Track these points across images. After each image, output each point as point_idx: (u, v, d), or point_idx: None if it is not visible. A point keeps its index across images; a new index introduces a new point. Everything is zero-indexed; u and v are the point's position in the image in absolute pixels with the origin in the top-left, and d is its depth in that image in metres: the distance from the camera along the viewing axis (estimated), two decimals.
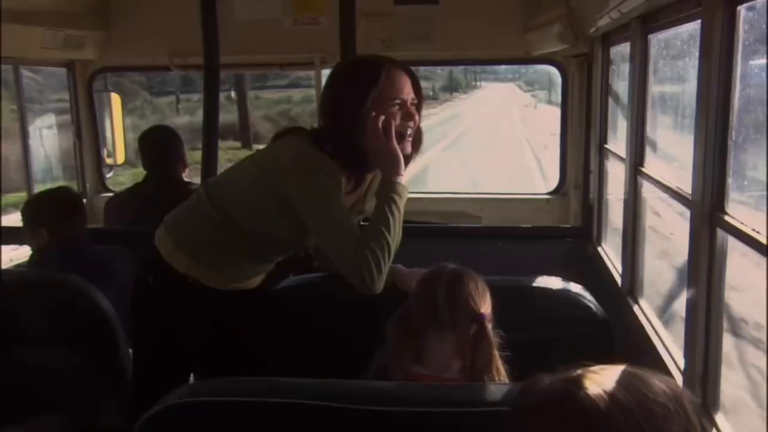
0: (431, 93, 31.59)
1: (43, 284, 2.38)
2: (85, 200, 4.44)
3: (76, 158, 4.39)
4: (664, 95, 2.64)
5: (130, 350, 2.34)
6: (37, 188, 4.02)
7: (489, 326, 1.70)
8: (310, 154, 1.94)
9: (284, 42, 3.77)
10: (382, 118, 1.89)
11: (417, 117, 1.96)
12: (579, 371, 0.89)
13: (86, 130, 4.41)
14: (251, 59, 4.03)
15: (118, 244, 3.26)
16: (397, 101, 1.91)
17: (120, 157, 4.65)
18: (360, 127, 1.91)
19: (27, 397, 2.25)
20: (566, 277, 2.24)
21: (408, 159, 2.00)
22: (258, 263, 2.17)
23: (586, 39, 2.94)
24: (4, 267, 3.49)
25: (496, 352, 1.70)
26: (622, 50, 2.81)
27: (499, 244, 3.11)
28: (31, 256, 2.82)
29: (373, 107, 1.90)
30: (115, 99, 4.56)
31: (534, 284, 2.15)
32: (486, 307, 1.72)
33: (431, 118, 26.38)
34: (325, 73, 3.59)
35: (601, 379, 0.86)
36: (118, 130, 4.58)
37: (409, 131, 1.95)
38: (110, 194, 4.49)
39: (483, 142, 21.34)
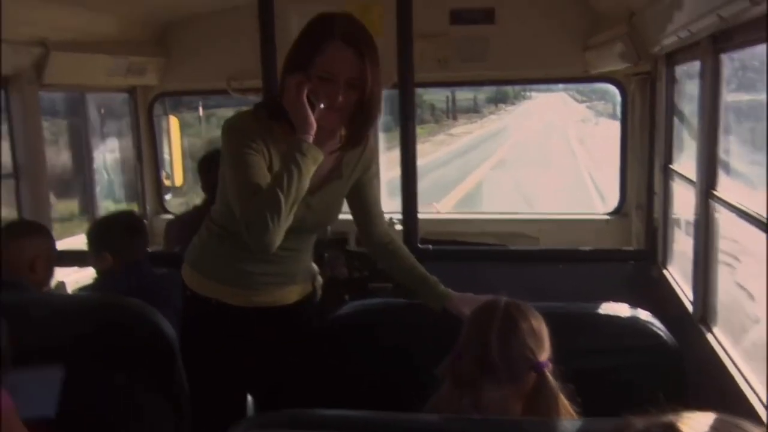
0: (473, 105, 30.23)
1: (108, 308, 2.41)
2: (145, 221, 4.54)
3: (137, 181, 4.49)
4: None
5: None
6: (101, 210, 4.13)
7: (550, 375, 1.57)
8: (236, 115, 1.99)
9: None
10: (298, 79, 1.85)
11: (344, 96, 1.87)
12: (671, 416, 0.84)
13: (146, 153, 4.52)
14: None
15: (176, 267, 3.31)
16: (327, 75, 1.85)
17: (178, 180, 4.75)
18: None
19: (89, 420, 2.28)
20: (630, 302, 2.16)
21: (334, 134, 1.98)
22: (259, 262, 2.07)
23: (649, 57, 2.87)
24: (69, 290, 3.59)
25: (561, 397, 1.57)
26: (687, 68, 2.73)
27: (560, 267, 3.04)
28: (96, 279, 2.87)
29: (303, 73, 1.86)
30: (174, 122, 4.66)
31: (600, 311, 2.08)
32: (545, 351, 1.59)
33: (470, 135, 25.76)
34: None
35: (699, 428, 0.81)
36: (177, 153, 4.68)
37: (336, 106, 1.88)
38: (169, 216, 4.60)
39: (533, 159, 20.69)
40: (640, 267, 3.08)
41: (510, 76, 4.05)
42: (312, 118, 1.86)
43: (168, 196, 4.79)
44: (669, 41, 2.47)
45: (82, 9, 3.30)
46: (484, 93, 29.36)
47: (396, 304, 2.29)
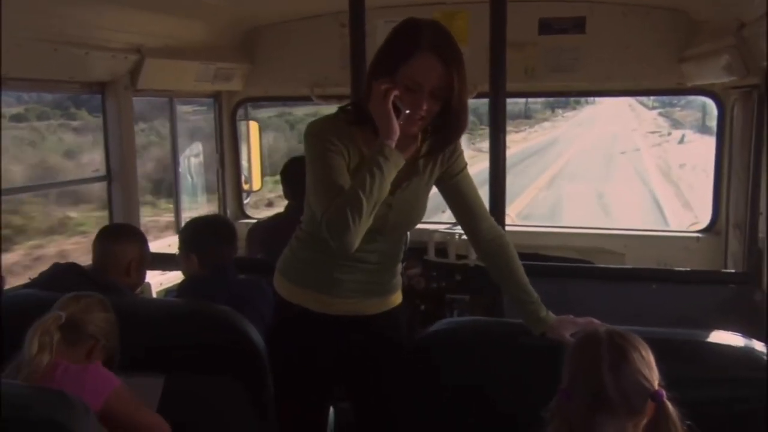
0: (523, 109, 25.83)
1: (198, 314, 2.43)
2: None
3: (218, 185, 4.56)
4: None
5: None
6: (184, 214, 4.20)
7: (669, 403, 1.52)
8: (317, 120, 2.00)
9: None
10: (386, 86, 1.86)
11: (429, 105, 1.88)
12: None
13: (228, 157, 4.58)
14: None
15: (259, 273, 3.33)
16: (413, 84, 1.86)
17: (257, 183, 4.80)
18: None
19: (176, 425, 2.30)
20: (730, 328, 2.05)
21: (413, 141, 1.99)
22: (346, 268, 2.07)
23: (758, 71, 2.73)
24: (154, 291, 3.66)
25: (680, 425, 1.53)
26: None
27: (653, 287, 2.92)
28: (182, 282, 2.90)
29: (390, 79, 1.88)
30: (254, 126, 4.71)
31: (709, 339, 1.98)
32: (656, 379, 1.54)
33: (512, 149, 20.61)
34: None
35: None
36: (256, 157, 4.73)
37: (420, 114, 1.90)
38: (249, 220, 4.65)
39: (593, 175, 18.46)
40: (740, 290, 2.92)
41: (600, 87, 3.94)
42: (396, 125, 1.88)
43: (247, 200, 4.85)
44: None
45: (172, 15, 3.37)
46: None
47: (490, 324, 2.23)
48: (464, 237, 3.98)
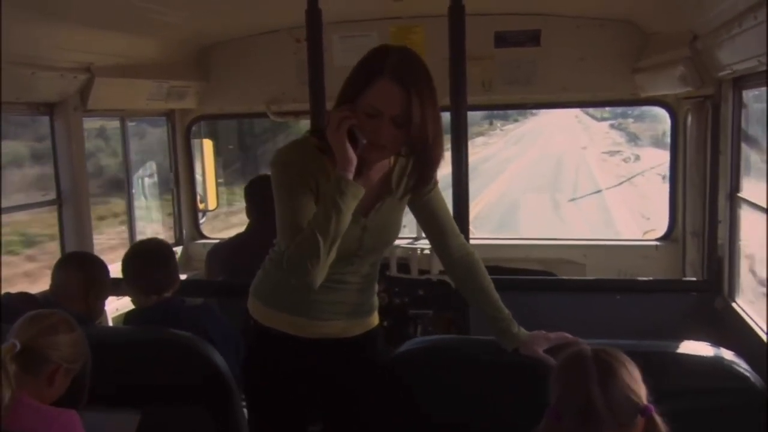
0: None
1: (158, 342, 2.35)
2: (181, 247, 4.49)
3: (173, 206, 4.45)
4: None
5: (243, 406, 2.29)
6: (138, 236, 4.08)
7: (658, 417, 1.53)
8: (285, 146, 1.98)
9: None
10: (341, 115, 1.82)
11: (390, 132, 1.83)
12: None
13: (183, 176, 4.48)
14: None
15: (218, 296, 3.25)
16: (373, 111, 1.82)
17: (212, 203, 4.70)
18: None
19: None
20: (693, 336, 2.07)
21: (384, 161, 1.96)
22: (323, 289, 1.98)
23: (712, 81, 2.79)
24: (110, 317, 3.54)
25: None
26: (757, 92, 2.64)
27: (617, 298, 2.94)
28: (129, 313, 2.78)
29: (350, 107, 1.85)
30: (207, 144, 4.62)
31: (680, 350, 1.99)
32: (645, 393, 1.54)
33: None
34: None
35: None
36: (210, 176, 4.64)
37: (381, 142, 1.85)
38: (207, 241, 4.55)
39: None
40: (701, 298, 2.97)
41: (556, 98, 3.97)
42: (351, 154, 1.84)
43: (202, 220, 4.74)
44: (741, 67, 2.39)
45: (123, 33, 3.27)
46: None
47: (462, 342, 2.21)
48: (426, 251, 4.00)
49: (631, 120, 22.95)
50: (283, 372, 2.09)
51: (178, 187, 4.44)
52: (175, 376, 2.27)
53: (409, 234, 3.84)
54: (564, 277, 3.63)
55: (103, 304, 2.70)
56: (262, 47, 4.03)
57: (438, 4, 3.40)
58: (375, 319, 2.19)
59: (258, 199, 3.37)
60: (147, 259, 2.60)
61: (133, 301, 2.65)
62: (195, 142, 4.57)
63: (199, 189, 4.62)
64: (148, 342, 2.33)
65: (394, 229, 2.08)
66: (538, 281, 3.22)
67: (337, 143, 1.83)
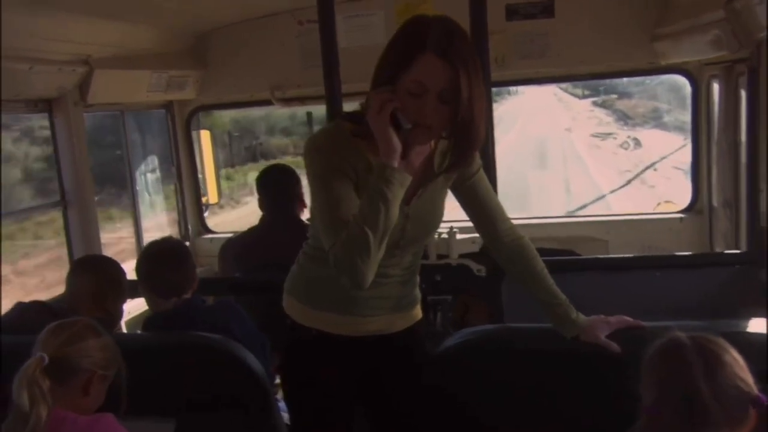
0: None
1: (186, 346, 2.21)
2: (188, 243, 4.34)
3: (177, 201, 4.29)
4: None
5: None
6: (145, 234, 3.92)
7: None
8: (318, 133, 1.84)
9: None
10: (382, 97, 1.68)
11: (437, 110, 1.68)
12: None
13: (185, 170, 4.32)
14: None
15: (234, 293, 3.11)
16: (417, 89, 1.68)
17: (213, 196, 4.55)
18: None
19: None
20: (743, 312, 1.96)
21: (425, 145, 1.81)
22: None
23: (751, 44, 2.66)
24: (123, 321, 3.38)
25: None
26: None
27: (657, 275, 2.82)
28: (147, 318, 2.62)
29: (391, 89, 1.70)
30: (205, 135, 4.46)
31: (750, 329, 1.87)
32: (753, 381, 1.41)
33: None
34: None
35: None
36: (210, 168, 4.48)
37: (427, 122, 1.70)
38: (213, 236, 4.40)
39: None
40: (743, 271, 2.86)
41: (572, 71, 3.84)
42: (395, 142, 1.69)
43: (206, 214, 4.59)
44: None
45: (120, 21, 3.10)
46: None
47: (515, 332, 2.09)
48: (444, 236, 3.87)
49: (615, 96, 20.68)
50: (324, 373, 1.97)
51: (181, 181, 4.28)
52: (207, 381, 2.15)
53: None
54: (597, 256, 3.51)
55: (122, 308, 2.55)
56: (262, 31, 3.87)
57: None
58: (418, 312, 2.08)
59: (271, 190, 3.22)
60: (163, 259, 2.44)
61: (150, 305, 2.50)
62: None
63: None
64: (176, 347, 2.19)
65: (437, 217, 1.94)
66: (570, 261, 3.10)
67: (380, 128, 1.69)
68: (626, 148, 17.45)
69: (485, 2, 2.62)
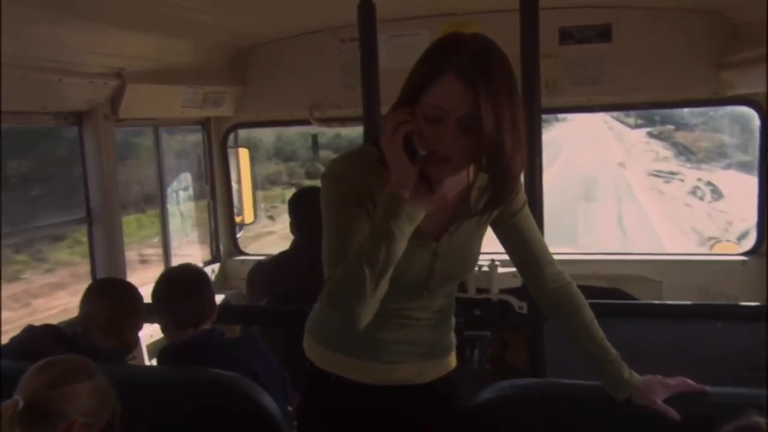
0: None
1: (198, 383, 2.05)
2: (218, 264, 4.22)
3: (210, 220, 4.17)
4: None
5: None
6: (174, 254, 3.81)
7: None
8: (340, 157, 1.67)
9: None
10: (397, 119, 1.50)
11: (456, 138, 1.48)
12: None
13: (220, 188, 4.21)
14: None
15: (260, 322, 2.96)
16: (435, 114, 1.48)
17: (249, 216, 4.43)
18: None
19: None
20: None
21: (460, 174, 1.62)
22: (391, 327, 1.71)
23: None
24: (144, 345, 3.26)
25: None
26: None
27: (719, 326, 2.57)
28: (162, 349, 2.47)
29: (409, 111, 1.52)
30: (244, 153, 4.35)
31: None
32: None
33: None
34: None
35: None
36: (247, 187, 4.37)
37: (445, 152, 1.50)
38: (245, 257, 4.26)
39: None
40: None
41: (629, 100, 3.61)
42: (408, 169, 1.49)
43: (239, 234, 4.47)
44: None
45: (156, 35, 3.00)
46: None
47: (559, 388, 1.87)
48: (485, 269, 3.66)
49: (672, 127, 18.01)
50: (346, 425, 1.78)
51: (215, 200, 4.17)
52: (220, 423, 1.98)
53: None
54: (652, 302, 3.26)
55: (137, 335, 2.41)
56: (303, 49, 3.74)
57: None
58: (453, 360, 1.87)
59: (303, 213, 3.06)
60: (179, 289, 2.30)
61: (166, 335, 2.36)
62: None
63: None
64: (187, 383, 2.03)
65: (471, 256, 1.73)
66: (619, 306, 2.86)
67: (392, 153, 1.50)
68: (701, 197, 13.82)
69: (537, 24, 2.44)
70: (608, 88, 3.44)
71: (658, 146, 18.34)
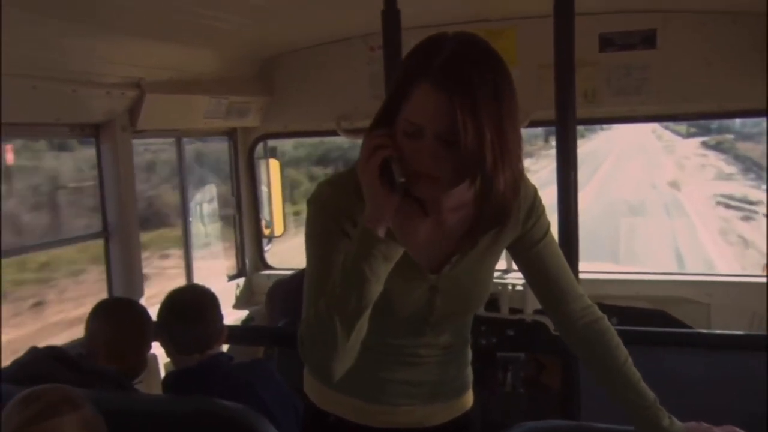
0: None
1: (200, 415, 1.92)
2: (243, 279, 4.11)
3: (235, 233, 4.07)
4: None
5: None
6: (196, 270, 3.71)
7: None
8: (327, 180, 1.48)
9: None
10: (375, 142, 1.31)
11: (435, 154, 1.28)
12: None
13: (246, 201, 4.11)
14: None
15: (277, 344, 2.83)
16: (413, 128, 1.29)
17: (279, 228, 4.32)
18: None
19: None
20: None
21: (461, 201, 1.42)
22: (395, 365, 1.55)
23: None
24: (161, 363, 3.16)
25: None
26: None
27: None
28: (167, 376, 2.35)
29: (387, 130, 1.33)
30: (274, 165, 4.25)
31: None
32: None
33: None
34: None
35: None
36: (277, 199, 4.26)
37: (430, 171, 1.30)
38: (271, 272, 4.15)
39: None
40: None
41: (675, 110, 3.39)
42: (384, 199, 1.31)
43: (268, 247, 4.36)
44: None
45: (177, 44, 2.91)
46: None
47: (590, 431, 1.69)
48: (519, 288, 3.47)
49: (731, 137, 14.94)
50: None
51: (241, 212, 4.07)
52: None
53: (498, 266, 3.32)
54: (699, 330, 3.04)
55: (146, 358, 2.30)
56: (331, 57, 3.62)
57: (532, 4, 2.92)
58: (467, 401, 1.68)
59: None
60: (184, 312, 2.17)
61: (171, 360, 2.24)
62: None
63: (264, 213, 4.25)
64: (189, 414, 1.91)
65: (478, 291, 1.53)
66: (663, 334, 2.64)
67: (367, 181, 1.31)
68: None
69: (573, 30, 2.26)
70: (652, 97, 3.22)
71: (717, 160, 15.25)
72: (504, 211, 1.41)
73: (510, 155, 1.31)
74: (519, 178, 1.38)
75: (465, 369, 1.66)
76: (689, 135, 19.10)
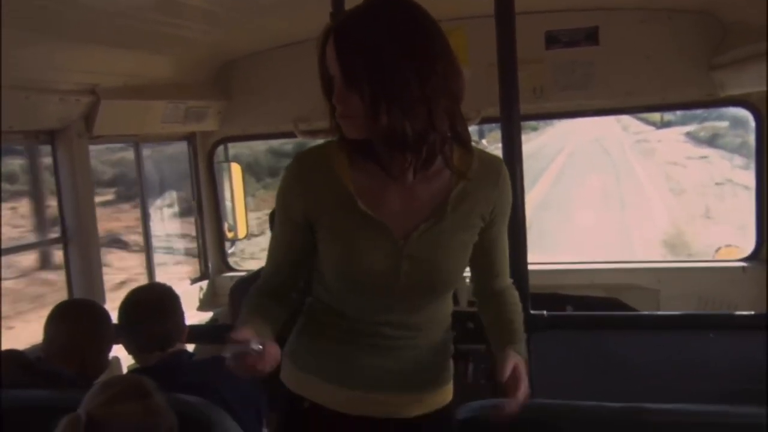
0: None
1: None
2: (207, 281, 4.14)
3: (197, 236, 4.10)
4: None
5: None
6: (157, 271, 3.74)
7: None
8: (298, 155, 1.58)
9: None
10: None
11: (339, 95, 1.40)
12: None
13: (207, 204, 4.14)
14: None
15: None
16: (331, 77, 1.44)
17: (242, 231, 4.35)
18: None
19: None
20: None
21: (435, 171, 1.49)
22: (370, 349, 1.57)
23: None
24: (125, 367, 3.18)
25: None
26: None
27: (711, 336, 2.45)
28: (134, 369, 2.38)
29: None
30: (236, 168, 4.28)
31: None
32: None
33: None
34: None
35: None
36: (240, 202, 4.29)
37: (341, 109, 1.41)
38: (235, 273, 4.19)
39: None
40: None
41: (620, 104, 3.51)
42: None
43: (231, 250, 4.39)
44: None
45: (133, 51, 2.94)
46: None
47: (545, 407, 1.77)
48: None
49: (726, 124, 12.90)
50: None
51: (202, 216, 4.09)
52: None
53: None
54: (647, 312, 3.15)
55: (107, 358, 2.32)
56: (287, 60, 3.67)
57: (482, 4, 3.01)
58: (445, 397, 1.65)
59: None
60: (144, 310, 2.18)
61: (134, 359, 2.27)
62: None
63: (227, 217, 4.28)
64: None
65: (447, 264, 1.50)
66: (612, 318, 2.74)
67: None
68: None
69: (513, 29, 2.35)
70: (598, 92, 3.34)
71: (718, 158, 12.80)
72: (419, 146, 1.42)
73: (395, 88, 1.36)
74: (446, 115, 1.42)
75: (441, 361, 1.63)
76: (663, 124, 16.89)
